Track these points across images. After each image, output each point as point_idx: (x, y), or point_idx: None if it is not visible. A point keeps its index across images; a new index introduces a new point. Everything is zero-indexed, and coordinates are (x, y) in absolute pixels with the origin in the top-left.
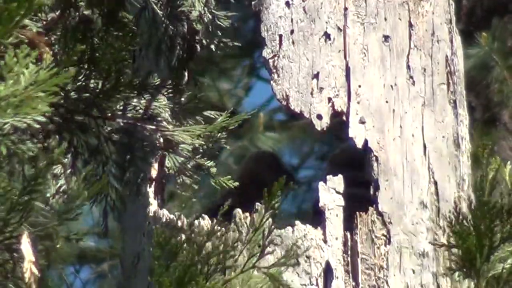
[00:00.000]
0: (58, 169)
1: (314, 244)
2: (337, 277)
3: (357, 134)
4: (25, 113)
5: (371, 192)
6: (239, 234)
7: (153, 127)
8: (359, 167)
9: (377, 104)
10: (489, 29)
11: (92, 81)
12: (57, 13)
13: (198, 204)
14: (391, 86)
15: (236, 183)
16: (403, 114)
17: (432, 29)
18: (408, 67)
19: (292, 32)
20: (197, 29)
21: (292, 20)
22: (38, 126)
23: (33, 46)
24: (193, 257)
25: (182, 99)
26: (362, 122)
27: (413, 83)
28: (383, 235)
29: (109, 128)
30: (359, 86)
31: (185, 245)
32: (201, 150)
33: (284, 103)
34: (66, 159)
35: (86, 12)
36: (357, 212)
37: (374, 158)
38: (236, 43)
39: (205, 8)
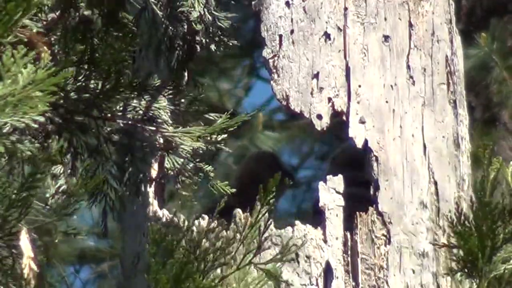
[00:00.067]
0: (58, 169)
1: (314, 244)
2: (337, 277)
3: (357, 134)
4: (23, 112)
5: (371, 192)
6: (237, 232)
7: (153, 128)
8: (359, 167)
9: (377, 104)
10: (489, 29)
11: (92, 81)
12: (57, 13)
13: (198, 204)
14: (391, 86)
15: (234, 190)
16: (403, 114)
17: (432, 29)
18: (408, 67)
19: (292, 32)
20: (197, 30)
21: (292, 20)
22: (36, 126)
23: (31, 45)
24: (189, 254)
25: (182, 100)
26: (362, 122)
27: (413, 83)
28: (383, 235)
29: (109, 129)
30: (359, 86)
31: (182, 242)
32: (200, 152)
33: (284, 103)
34: (66, 159)
35: (86, 13)
36: (357, 212)
37: (374, 158)
38: (235, 43)
39: (205, 9)
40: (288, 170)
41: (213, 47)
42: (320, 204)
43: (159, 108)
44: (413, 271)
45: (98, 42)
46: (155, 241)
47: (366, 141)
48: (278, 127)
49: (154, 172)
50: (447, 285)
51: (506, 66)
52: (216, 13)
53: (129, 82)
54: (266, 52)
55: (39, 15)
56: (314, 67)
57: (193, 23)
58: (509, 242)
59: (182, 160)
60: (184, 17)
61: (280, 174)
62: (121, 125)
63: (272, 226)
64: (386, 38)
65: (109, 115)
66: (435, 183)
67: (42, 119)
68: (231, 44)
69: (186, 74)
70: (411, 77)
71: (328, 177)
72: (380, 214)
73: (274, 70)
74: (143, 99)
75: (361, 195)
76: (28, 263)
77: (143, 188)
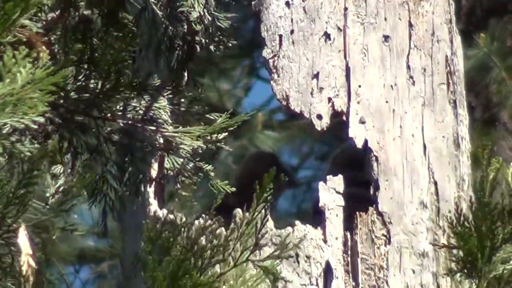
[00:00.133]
0: (58, 169)
1: (314, 244)
2: (337, 277)
3: (357, 134)
4: (23, 113)
5: (371, 192)
6: (235, 230)
7: (153, 128)
8: (359, 167)
9: (377, 104)
10: (488, 29)
11: (92, 81)
12: (57, 13)
13: (198, 204)
14: (391, 86)
15: (233, 189)
16: (403, 114)
17: (432, 29)
18: (408, 67)
19: (292, 32)
20: (197, 30)
21: (292, 20)
22: (35, 127)
23: (31, 45)
24: (186, 252)
25: (182, 100)
26: (362, 122)
27: (413, 83)
28: (383, 235)
29: (109, 129)
30: (359, 86)
31: (178, 239)
32: (200, 151)
33: (284, 103)
34: (66, 159)
35: (86, 12)
36: (357, 212)
37: (374, 158)
38: (235, 43)
39: (205, 10)
40: (288, 170)
41: (212, 47)
42: (320, 204)
43: (159, 108)
44: (413, 271)
45: (98, 42)
46: (150, 239)
47: (366, 141)
48: (278, 127)
49: (154, 172)
50: (447, 285)
51: (505, 67)
52: (216, 13)
53: (129, 82)
54: (266, 52)
55: (39, 14)
56: (314, 67)
57: (192, 23)
58: (509, 242)
59: (182, 160)
60: (184, 17)
61: (275, 169)
62: (121, 125)
63: (272, 226)
64: (386, 38)
65: (109, 115)
66: (435, 183)
67: (42, 120)
68: (230, 44)
69: (186, 74)
70: (411, 77)
71: (328, 177)
72: (380, 214)
73: (274, 70)
74: (143, 99)
75: (361, 195)
76: (26, 260)
77: (143, 188)
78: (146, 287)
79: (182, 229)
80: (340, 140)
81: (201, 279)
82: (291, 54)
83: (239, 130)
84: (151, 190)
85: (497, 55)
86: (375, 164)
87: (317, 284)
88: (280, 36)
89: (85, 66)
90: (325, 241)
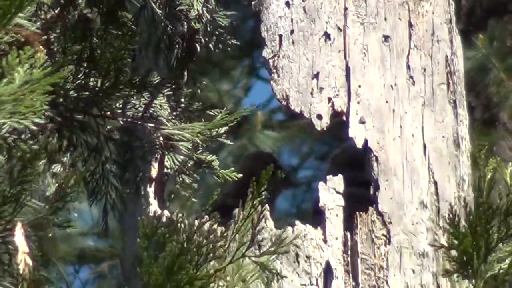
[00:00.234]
0: (57, 168)
1: (314, 244)
2: (337, 277)
3: (357, 134)
4: (22, 113)
5: (371, 192)
6: (231, 226)
7: (153, 125)
8: (359, 167)
9: (377, 104)
10: (488, 29)
11: (91, 79)
12: (56, 11)
13: (198, 204)
14: (391, 86)
15: (240, 175)
16: (403, 114)
17: (432, 29)
18: (408, 67)
19: (292, 32)
20: (196, 28)
21: (292, 20)
22: (35, 128)
23: (28, 45)
24: (182, 247)
25: (182, 99)
26: (362, 122)
27: (413, 83)
28: (383, 235)
29: (109, 127)
30: (359, 86)
31: (174, 235)
32: (200, 148)
33: (284, 103)
34: (66, 158)
35: (85, 11)
36: (357, 212)
37: (374, 158)
38: (235, 41)
39: (203, 8)
40: (287, 170)
41: (212, 45)
42: (320, 204)
43: (159, 105)
44: (413, 271)
45: (97, 40)
46: (146, 235)
47: (366, 141)
48: (278, 127)
49: (154, 172)
50: (447, 285)
51: (504, 68)
52: (215, 11)
53: (129, 80)
54: (266, 52)
55: (38, 13)
56: (314, 67)
57: (192, 22)
58: (503, 241)
59: (182, 157)
60: (183, 15)
61: (272, 166)
62: (121, 123)
63: (272, 226)
64: (386, 38)
65: (108, 113)
66: (435, 183)
67: (41, 121)
68: (230, 42)
69: (185, 73)
70: (411, 77)
71: (328, 177)
72: (380, 214)
73: (274, 70)
74: (142, 97)
75: (361, 195)
76: (23, 259)
77: (142, 188)
78: (142, 284)
79: (178, 225)
80: (340, 140)
81: (197, 274)
82: (291, 54)
83: (239, 130)
84: (151, 190)
85: (496, 56)
86: (375, 164)
87: (317, 284)
88: (280, 36)
89: (85, 65)
90: (325, 241)
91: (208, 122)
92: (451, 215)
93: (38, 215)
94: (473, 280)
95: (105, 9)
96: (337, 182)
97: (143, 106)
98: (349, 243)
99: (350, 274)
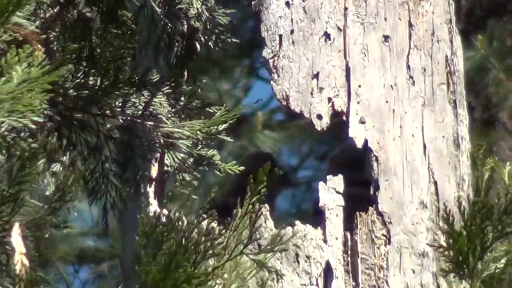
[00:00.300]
0: (57, 167)
1: (314, 244)
2: (337, 277)
3: (357, 134)
4: (21, 112)
5: (371, 192)
6: (229, 223)
7: (152, 123)
8: (359, 167)
9: (377, 104)
10: (488, 29)
11: (91, 78)
12: (55, 10)
13: (198, 202)
14: (391, 86)
15: (242, 168)
16: (403, 114)
17: (432, 29)
18: (408, 67)
19: (292, 32)
20: (196, 27)
21: (292, 20)
22: (34, 126)
23: (26, 43)
24: (179, 245)
25: (182, 98)
26: (362, 122)
27: (413, 83)
28: (383, 235)
29: (108, 126)
30: (359, 86)
31: (172, 233)
32: (200, 146)
33: (284, 103)
34: (65, 157)
35: (84, 10)
36: (357, 212)
37: (374, 158)
38: (234, 40)
39: (203, 7)
40: (286, 170)
41: (211, 43)
42: (320, 204)
43: (159, 103)
44: (413, 271)
45: (97, 39)
46: (145, 233)
47: (366, 141)
48: (278, 127)
49: (154, 171)
50: (447, 285)
51: (503, 68)
52: (214, 10)
53: (128, 78)
54: (266, 52)
55: (38, 11)
56: (314, 67)
57: (191, 20)
58: (498, 240)
59: (182, 155)
60: (183, 14)
61: (269, 163)
62: (121, 121)
63: (272, 226)
64: (386, 38)
65: (108, 111)
66: (435, 183)
67: (40, 120)
68: (230, 41)
69: (185, 72)
70: (411, 77)
71: (328, 177)
72: (380, 214)
73: (274, 70)
74: (142, 95)
75: (361, 195)
76: (20, 259)
77: (142, 186)
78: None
79: (176, 223)
80: (340, 140)
81: (195, 272)
82: (291, 54)
83: (239, 130)
84: (151, 190)
85: (496, 56)
86: (375, 164)
87: (317, 284)
88: (280, 36)
89: (84, 64)
90: (325, 241)
91: (207, 119)
92: (445, 215)
93: (36, 215)
94: (469, 280)
95: (104, 8)
96: (337, 182)
97: (143, 104)
98: (349, 243)
99: (350, 274)
